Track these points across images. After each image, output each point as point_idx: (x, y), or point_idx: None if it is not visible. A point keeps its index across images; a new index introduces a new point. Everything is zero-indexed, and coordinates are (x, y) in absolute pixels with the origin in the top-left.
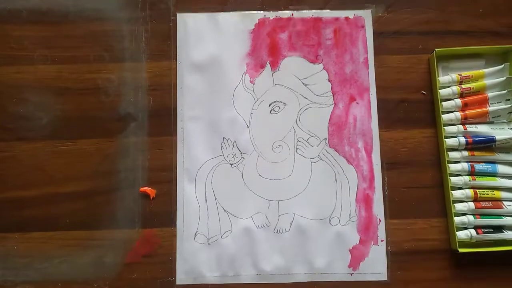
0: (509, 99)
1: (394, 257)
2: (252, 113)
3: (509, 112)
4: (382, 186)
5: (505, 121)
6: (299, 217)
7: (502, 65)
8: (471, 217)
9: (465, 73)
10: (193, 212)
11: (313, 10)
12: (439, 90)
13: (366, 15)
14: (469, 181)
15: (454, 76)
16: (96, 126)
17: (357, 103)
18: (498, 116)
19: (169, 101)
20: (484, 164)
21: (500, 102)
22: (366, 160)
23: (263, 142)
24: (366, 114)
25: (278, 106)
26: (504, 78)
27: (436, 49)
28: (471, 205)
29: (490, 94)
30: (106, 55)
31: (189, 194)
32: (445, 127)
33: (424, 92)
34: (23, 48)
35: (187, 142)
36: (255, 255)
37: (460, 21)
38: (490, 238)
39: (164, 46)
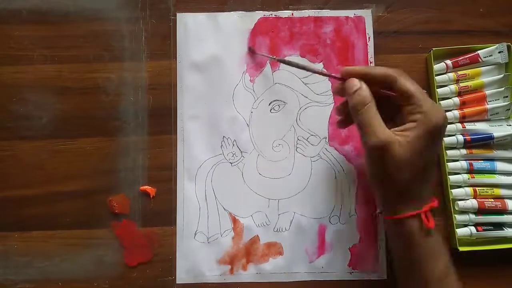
0: (506, 96)
1: None
2: (252, 112)
3: (507, 109)
4: None
5: (503, 118)
6: (299, 215)
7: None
8: (472, 215)
9: (461, 72)
10: (193, 211)
11: (313, 10)
12: (437, 89)
13: (366, 15)
14: (468, 179)
15: (451, 75)
16: (96, 125)
17: None
18: (496, 114)
19: (169, 100)
20: (482, 161)
21: (498, 99)
22: None
23: (263, 141)
24: None
25: (278, 105)
26: (502, 75)
27: (433, 49)
28: (474, 203)
29: (487, 91)
30: (106, 55)
31: (189, 193)
32: None
33: (424, 91)
34: (23, 48)
35: (187, 141)
36: (255, 254)
37: (460, 20)
38: (490, 235)
39: (164, 45)
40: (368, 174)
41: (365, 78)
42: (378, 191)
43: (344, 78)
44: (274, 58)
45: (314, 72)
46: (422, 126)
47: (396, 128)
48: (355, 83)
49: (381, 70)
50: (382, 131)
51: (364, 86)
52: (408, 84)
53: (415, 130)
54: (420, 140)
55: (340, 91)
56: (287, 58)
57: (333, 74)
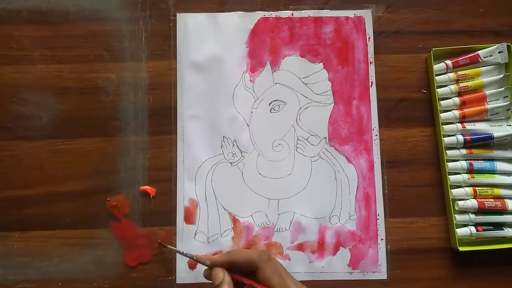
0: (506, 96)
1: (394, 255)
2: (252, 112)
3: (507, 109)
4: (382, 184)
5: (503, 118)
6: (299, 215)
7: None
8: (472, 215)
9: (461, 72)
10: (193, 211)
11: (313, 10)
12: (437, 89)
13: (366, 15)
14: (468, 179)
15: (451, 75)
16: (96, 125)
17: (357, 102)
18: (496, 114)
19: (169, 100)
20: (482, 161)
21: (498, 99)
22: (366, 158)
23: (263, 141)
24: (366, 113)
25: (278, 105)
26: (502, 75)
27: (433, 49)
28: (474, 203)
29: (487, 91)
30: (106, 55)
31: (189, 193)
32: (443, 126)
33: (424, 91)
34: (23, 48)
35: (187, 141)
36: None
37: (460, 20)
38: (490, 235)
39: (164, 45)
40: None
41: (230, 265)
42: None
43: (211, 266)
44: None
45: (189, 257)
46: None
47: None
48: (219, 275)
49: (244, 256)
50: None
51: (226, 278)
52: (270, 276)
53: None
54: None
55: (208, 277)
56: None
57: (203, 262)
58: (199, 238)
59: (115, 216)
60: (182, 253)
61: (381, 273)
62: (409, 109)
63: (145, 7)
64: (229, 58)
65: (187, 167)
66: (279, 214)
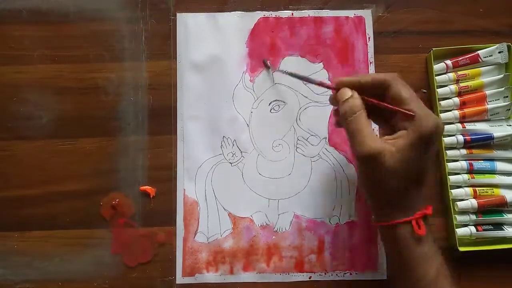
0: (507, 96)
1: None
2: (252, 112)
3: (507, 109)
4: None
5: (503, 118)
6: (299, 215)
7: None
8: (472, 215)
9: (461, 72)
10: (193, 211)
11: (313, 10)
12: (437, 89)
13: (366, 15)
14: (468, 179)
15: (451, 75)
16: (96, 125)
17: None
18: (496, 114)
19: (169, 100)
20: (482, 161)
21: (498, 99)
22: None
23: (263, 141)
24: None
25: (278, 105)
26: (502, 75)
27: (433, 49)
28: (474, 203)
29: (487, 91)
30: (106, 55)
31: (189, 193)
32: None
33: (424, 91)
34: (23, 48)
35: (187, 141)
36: (255, 254)
37: (460, 20)
38: (490, 235)
39: (164, 45)
40: (359, 182)
41: (357, 86)
42: (369, 199)
43: (338, 88)
44: (282, 71)
45: (313, 82)
46: (413, 133)
47: (387, 137)
48: (346, 92)
49: (372, 77)
50: (371, 140)
51: (355, 95)
52: (400, 90)
53: (406, 138)
54: (412, 148)
55: (334, 100)
56: (288, 70)
57: (328, 84)
58: (199, 238)
59: (115, 217)
60: (296, 76)
61: (381, 273)
62: None
63: (145, 7)
64: (229, 58)
65: (187, 167)
66: (279, 214)
